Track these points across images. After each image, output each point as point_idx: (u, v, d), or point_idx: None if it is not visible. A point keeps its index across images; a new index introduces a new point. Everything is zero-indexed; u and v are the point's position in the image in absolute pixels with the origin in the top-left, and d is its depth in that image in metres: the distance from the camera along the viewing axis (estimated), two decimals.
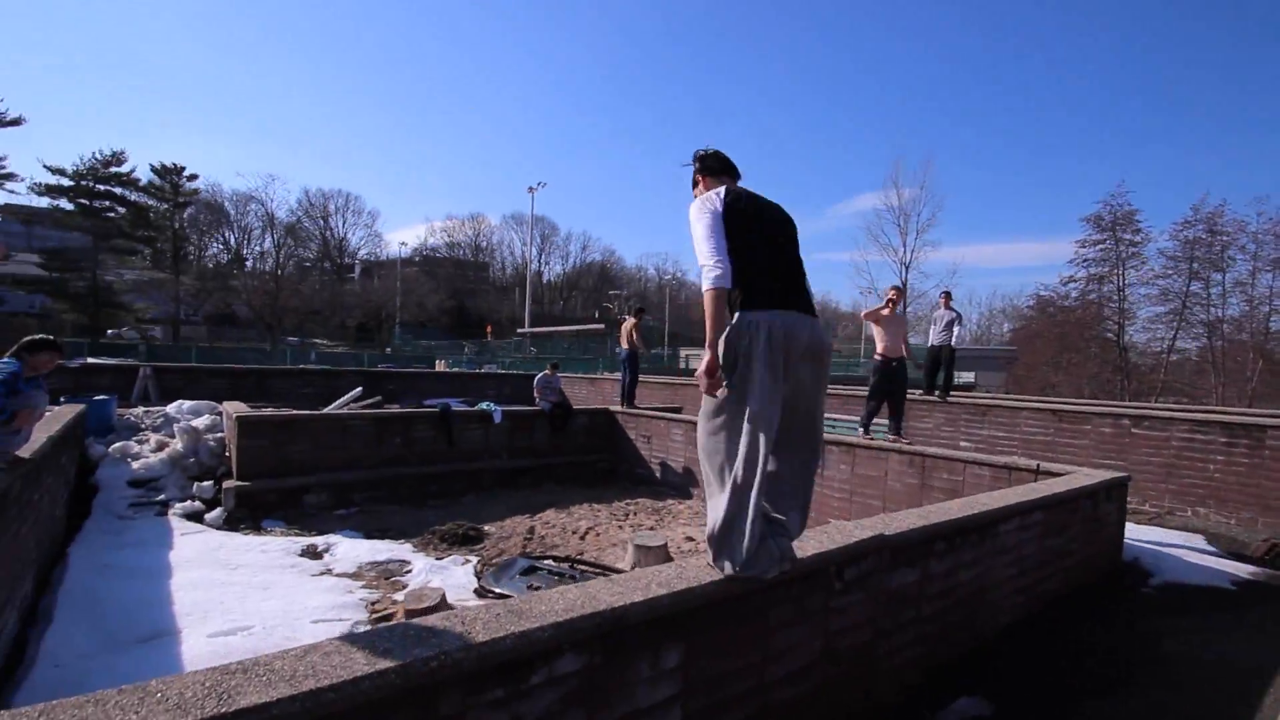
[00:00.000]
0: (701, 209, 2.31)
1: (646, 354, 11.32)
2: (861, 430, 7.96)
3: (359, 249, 70.14)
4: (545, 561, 5.96)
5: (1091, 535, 4.70)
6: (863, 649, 2.78)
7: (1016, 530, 3.80)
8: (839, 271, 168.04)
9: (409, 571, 5.74)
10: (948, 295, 9.64)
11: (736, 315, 2.23)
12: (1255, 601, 4.45)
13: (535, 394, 10.73)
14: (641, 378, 19.59)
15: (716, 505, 2.22)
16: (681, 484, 9.56)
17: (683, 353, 42.91)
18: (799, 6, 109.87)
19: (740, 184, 2.60)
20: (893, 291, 7.87)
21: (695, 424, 9.93)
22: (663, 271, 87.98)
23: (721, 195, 2.34)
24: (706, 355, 2.22)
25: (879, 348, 7.81)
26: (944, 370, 9.53)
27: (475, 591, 5.28)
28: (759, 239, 2.30)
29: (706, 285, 2.19)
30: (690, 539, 7.17)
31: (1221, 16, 75.08)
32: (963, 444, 9.32)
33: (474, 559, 6.30)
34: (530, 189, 40.25)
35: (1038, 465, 5.45)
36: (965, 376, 40.43)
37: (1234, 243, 28.68)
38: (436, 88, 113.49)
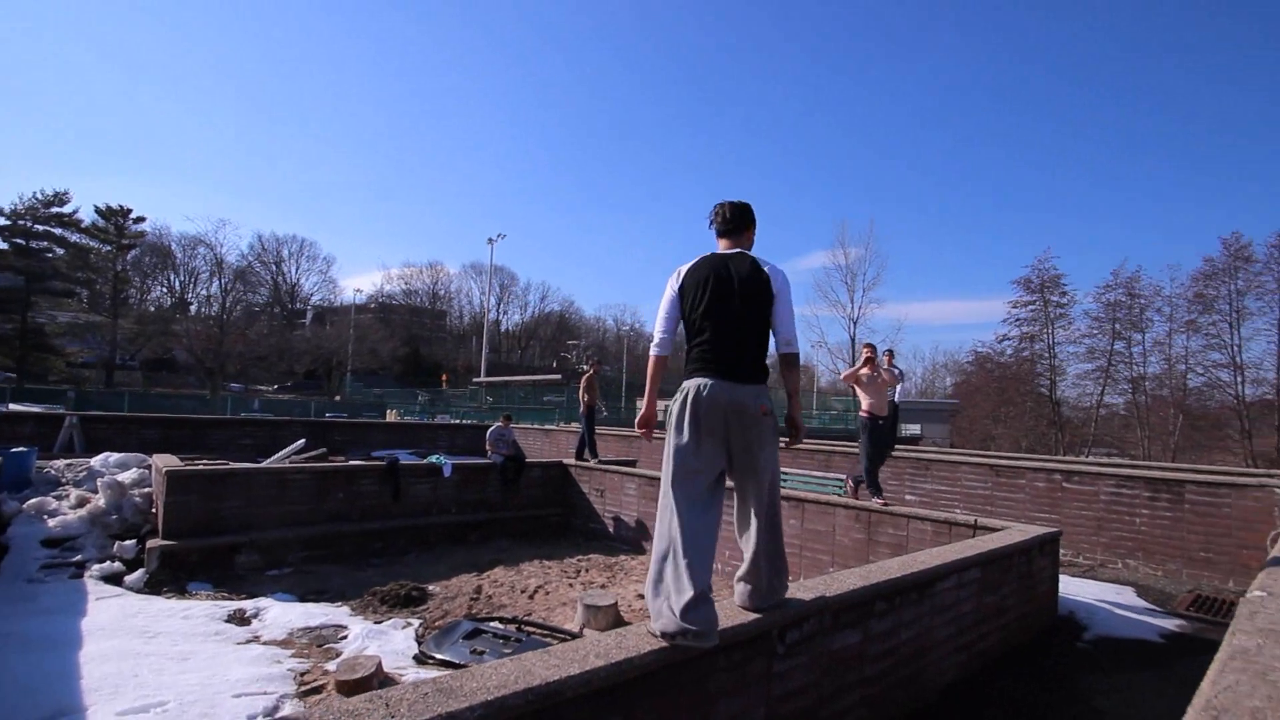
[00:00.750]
0: (668, 283, 2.65)
1: (599, 408, 11.25)
2: (875, 498, 7.44)
3: (312, 294, 68.74)
4: (491, 624, 5.75)
5: (1027, 591, 4.81)
6: (806, 714, 2.75)
7: (954, 588, 3.87)
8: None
9: (344, 638, 5.44)
10: (890, 353, 9.98)
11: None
12: (1181, 655, 4.60)
13: (487, 446, 10.53)
14: (598, 430, 19.52)
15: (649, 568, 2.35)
16: (635, 539, 9.43)
17: (639, 402, 42.85)
18: (760, 70, 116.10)
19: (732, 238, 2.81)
20: (867, 349, 7.82)
21: (648, 476, 9.77)
22: (621, 323, 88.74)
23: (682, 274, 2.63)
24: (642, 409, 2.71)
25: (864, 405, 7.76)
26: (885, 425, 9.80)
27: (415, 658, 5.03)
28: (702, 313, 2.52)
29: (651, 351, 2.64)
30: (642, 596, 7.03)
31: (1134, 102, 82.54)
32: (908, 498, 9.52)
33: (416, 622, 6.02)
34: (490, 240, 40.55)
35: (975, 520, 5.60)
36: (912, 428, 41.56)
37: (1151, 305, 30.83)
38: (398, 136, 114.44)
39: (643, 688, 2.05)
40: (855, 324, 36.31)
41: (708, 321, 2.51)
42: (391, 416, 30.77)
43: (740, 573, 2.59)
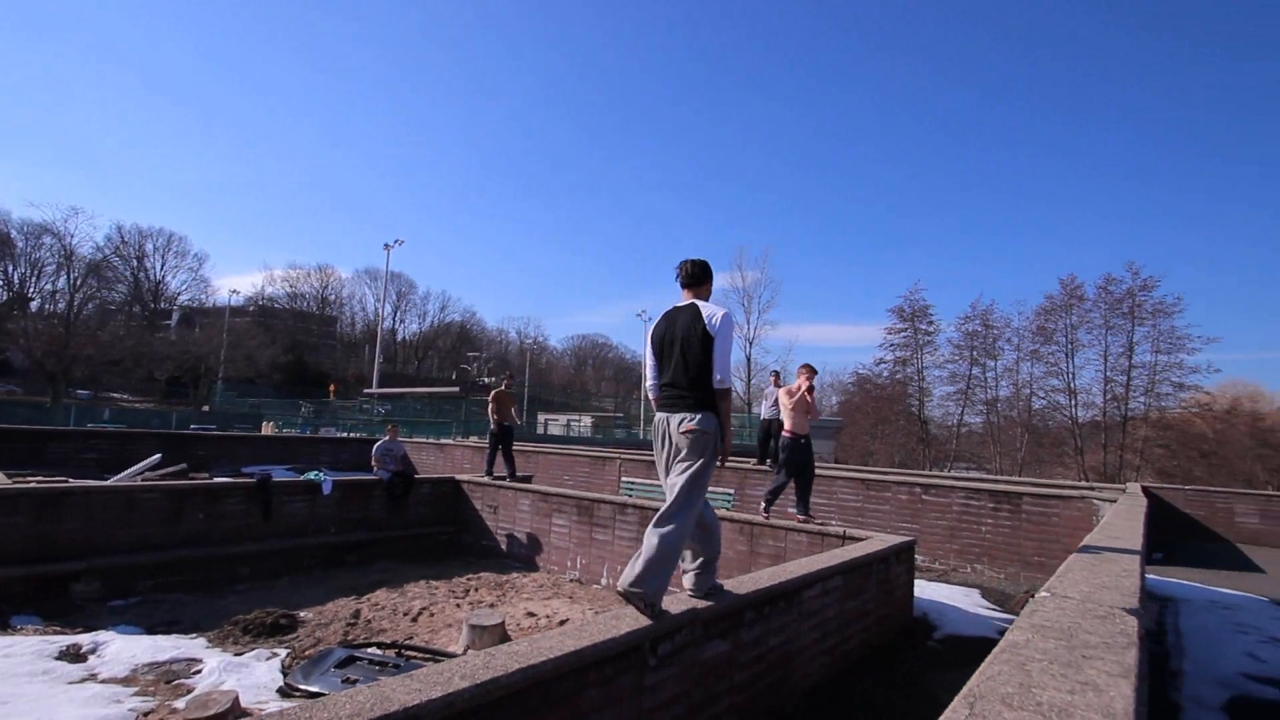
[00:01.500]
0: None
1: (502, 424, 10.63)
2: (763, 506, 7.45)
3: (179, 294, 62.60)
4: (369, 650, 5.47)
5: (886, 596, 5.22)
6: None
7: (819, 595, 4.14)
8: None
9: (198, 672, 4.98)
10: (776, 375, 10.56)
11: None
12: None
13: (373, 462, 10.02)
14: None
15: None
16: (528, 556, 9.28)
17: (541, 418, 42.27)
18: (659, 95, 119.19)
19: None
20: (807, 370, 7.64)
21: (542, 493, 9.66)
22: (524, 335, 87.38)
23: (651, 327, 3.38)
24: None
25: (788, 425, 7.56)
26: (774, 441, 10.30)
27: (280, 691, 4.68)
28: (654, 359, 3.32)
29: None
30: (532, 614, 6.93)
31: (988, 144, 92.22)
32: (790, 510, 10.02)
33: (283, 652, 5.61)
34: (387, 245, 38.74)
35: (843, 531, 6.01)
36: None
37: (1002, 336, 34.46)
38: (285, 131, 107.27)
39: (510, 708, 2.05)
40: (751, 344, 38.04)
41: (661, 363, 3.28)
42: (268, 429, 28.44)
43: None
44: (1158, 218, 77.55)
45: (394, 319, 76.38)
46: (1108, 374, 31.27)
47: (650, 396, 3.33)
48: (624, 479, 11.32)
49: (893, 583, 5.37)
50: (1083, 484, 10.02)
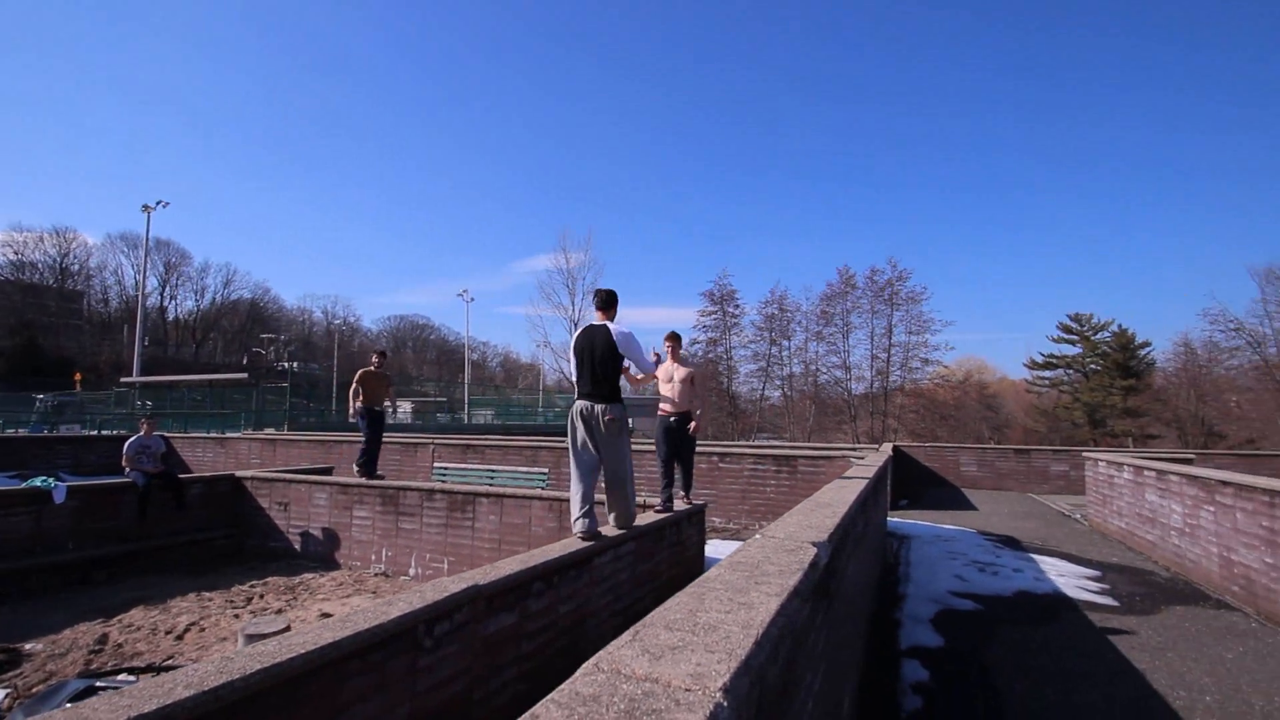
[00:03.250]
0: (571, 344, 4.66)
1: (372, 409, 9.11)
2: (659, 502, 6.16)
3: None
4: (117, 677, 4.73)
5: (678, 556, 5.67)
6: (458, 700, 2.86)
7: (611, 562, 4.38)
8: (518, 325, 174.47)
9: None
10: None
11: None
12: None
13: (124, 462, 8.56)
14: (293, 435, 17.20)
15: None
16: (325, 553, 8.60)
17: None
18: (483, 71, 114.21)
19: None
20: (668, 342, 6.81)
21: (341, 484, 9.05)
22: (332, 315, 79.62)
23: (572, 340, 4.61)
24: None
25: (662, 403, 6.68)
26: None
27: None
28: (574, 360, 4.55)
29: None
30: (327, 615, 6.46)
31: (792, 137, 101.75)
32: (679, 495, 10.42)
33: (2, 693, 4.66)
34: (146, 207, 32.77)
35: (643, 501, 6.38)
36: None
37: (794, 319, 38.59)
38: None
39: (250, 712, 1.93)
40: (576, 325, 38.31)
41: (579, 363, 4.50)
42: None
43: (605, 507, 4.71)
44: (913, 216, 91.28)
45: (162, 294, 65.32)
46: (874, 352, 36.54)
47: (577, 388, 4.54)
48: (436, 464, 10.92)
49: (685, 544, 5.84)
50: (846, 446, 11.74)
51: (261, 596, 7.24)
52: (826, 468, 8.95)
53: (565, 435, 12.25)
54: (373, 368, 9.30)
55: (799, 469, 9.09)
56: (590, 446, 4.42)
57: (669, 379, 6.27)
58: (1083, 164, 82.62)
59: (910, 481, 16.07)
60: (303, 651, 2.05)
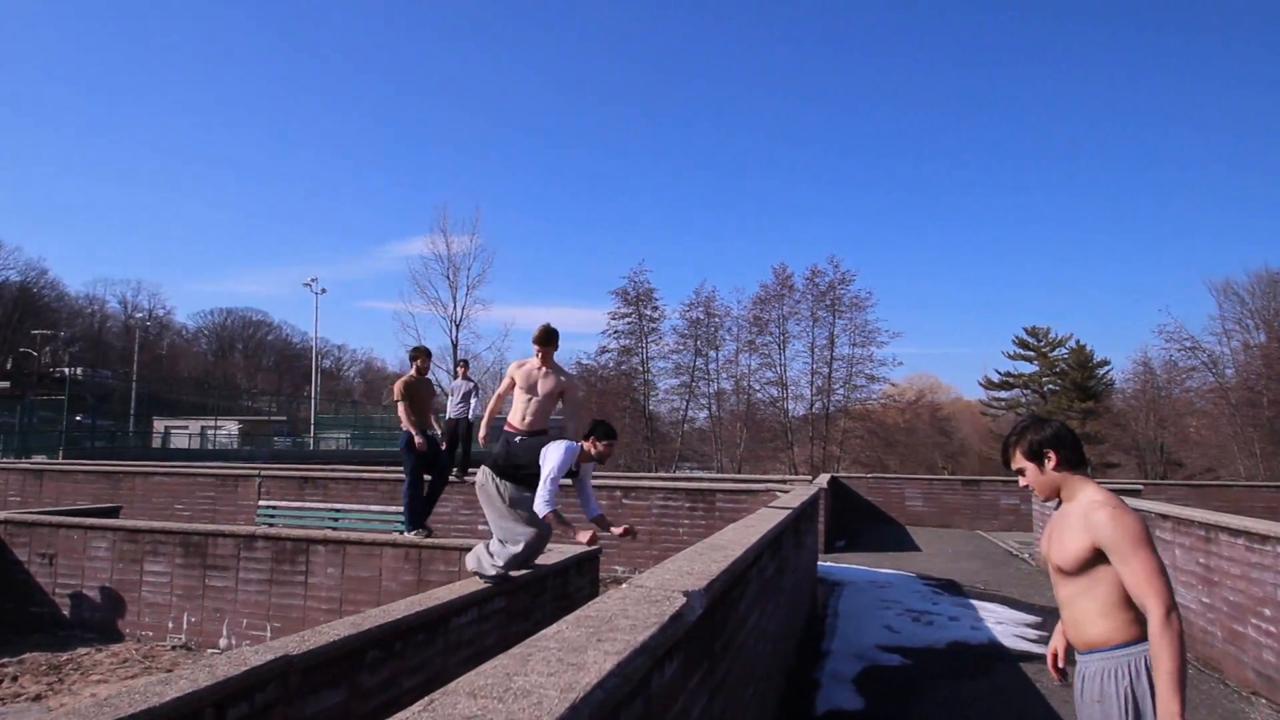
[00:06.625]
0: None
1: (436, 430, 8.25)
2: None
3: None
4: None
5: (564, 611, 5.69)
6: None
7: (475, 621, 4.37)
8: (384, 324, 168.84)
9: None
10: (465, 364, 10.69)
11: None
12: None
13: None
14: (69, 465, 15.83)
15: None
16: (105, 622, 8.03)
17: (160, 425, 36.31)
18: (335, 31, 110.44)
19: None
20: (420, 357, 7.79)
21: (129, 530, 8.60)
22: (133, 306, 74.06)
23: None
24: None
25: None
26: (462, 445, 10.44)
27: None
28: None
29: None
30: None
31: (712, 125, 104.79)
32: (481, 528, 10.28)
33: None
34: None
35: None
36: None
37: (723, 325, 39.59)
38: None
39: None
40: (458, 327, 37.58)
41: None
42: None
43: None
44: (853, 215, 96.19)
45: None
46: (815, 366, 38.08)
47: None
48: (263, 502, 10.41)
49: (572, 598, 5.89)
50: (776, 478, 12.20)
51: (15, 679, 6.68)
52: (750, 503, 9.27)
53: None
54: (415, 373, 8.27)
55: (717, 505, 9.37)
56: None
57: (529, 387, 5.56)
58: (1039, 167, 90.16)
59: (850, 518, 16.88)
60: None
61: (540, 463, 4.52)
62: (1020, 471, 2.43)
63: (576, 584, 5.99)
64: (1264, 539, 5.51)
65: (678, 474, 25.72)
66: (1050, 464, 2.36)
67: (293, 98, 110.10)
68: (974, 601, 8.73)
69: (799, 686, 5.48)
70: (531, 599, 5.13)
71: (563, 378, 5.67)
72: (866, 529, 16.40)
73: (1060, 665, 2.56)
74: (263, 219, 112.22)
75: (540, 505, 4.45)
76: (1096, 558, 2.19)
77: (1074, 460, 2.37)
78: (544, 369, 5.56)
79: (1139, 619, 2.13)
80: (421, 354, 8.38)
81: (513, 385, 5.55)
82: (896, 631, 7.31)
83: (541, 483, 4.46)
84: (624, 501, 9.67)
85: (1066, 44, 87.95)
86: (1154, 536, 6.70)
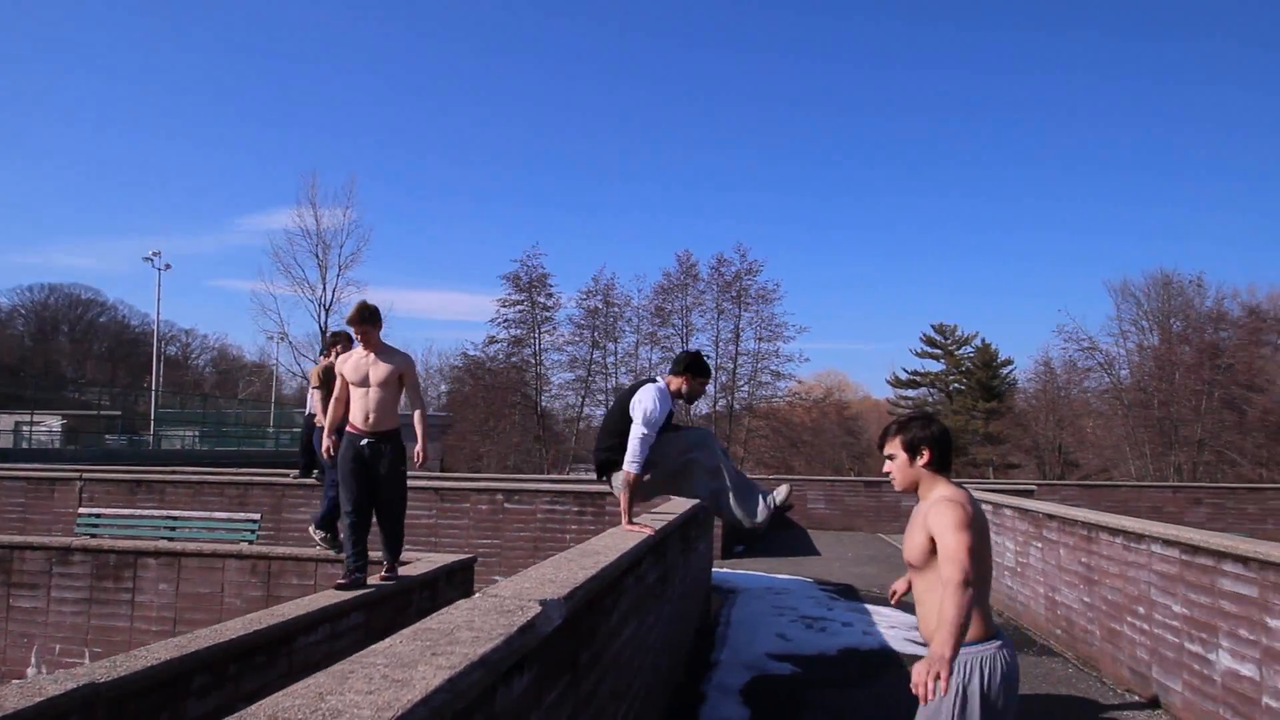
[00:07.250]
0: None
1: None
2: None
3: None
4: None
5: None
6: None
7: (326, 640, 4.26)
8: (241, 306, 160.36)
9: None
10: (338, 342, 10.26)
11: None
12: None
13: None
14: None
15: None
16: None
17: None
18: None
19: None
20: (340, 342, 7.01)
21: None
22: None
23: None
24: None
25: (327, 414, 5.93)
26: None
27: None
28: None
29: None
30: None
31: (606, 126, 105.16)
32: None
33: None
34: None
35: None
36: None
37: (622, 315, 39.84)
38: None
39: None
40: (328, 311, 36.14)
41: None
42: None
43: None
44: (760, 205, 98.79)
45: None
46: (719, 361, 38.88)
47: None
48: (84, 510, 9.72)
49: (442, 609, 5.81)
50: None
51: None
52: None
53: (297, 466, 11.44)
54: (330, 355, 7.47)
55: (607, 510, 9.44)
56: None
57: (361, 380, 5.17)
58: (944, 161, 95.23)
59: None
60: None
61: (632, 413, 4.32)
62: (890, 457, 2.61)
63: (448, 597, 5.92)
64: (1140, 537, 6.05)
65: (569, 476, 25.73)
66: (922, 460, 2.55)
67: (125, 35, 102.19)
68: (869, 606, 9.18)
69: (684, 700, 5.62)
70: (393, 614, 5.04)
71: (397, 359, 5.26)
72: (767, 534, 16.92)
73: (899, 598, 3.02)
74: (94, 180, 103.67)
75: (629, 462, 4.24)
76: (935, 550, 2.38)
77: (943, 463, 2.57)
78: (370, 354, 5.16)
79: (979, 619, 2.33)
80: (343, 339, 7.49)
81: (346, 384, 5.23)
82: (789, 639, 7.61)
83: (632, 437, 4.24)
84: (505, 506, 9.59)
85: (965, 42, 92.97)
86: (1041, 536, 7.24)
